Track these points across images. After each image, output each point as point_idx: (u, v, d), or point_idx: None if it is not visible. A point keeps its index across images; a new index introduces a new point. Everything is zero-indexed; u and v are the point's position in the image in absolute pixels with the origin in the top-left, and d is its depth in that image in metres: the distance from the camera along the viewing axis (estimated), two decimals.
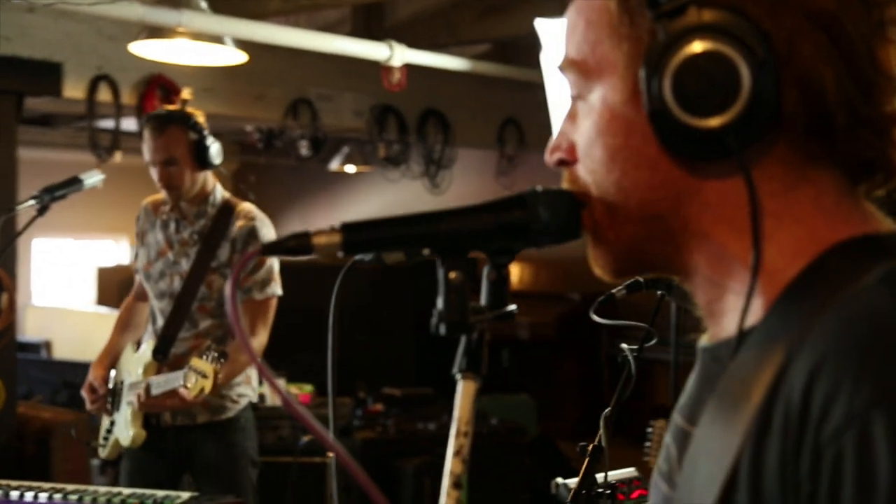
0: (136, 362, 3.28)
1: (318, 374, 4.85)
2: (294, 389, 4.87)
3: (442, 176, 6.81)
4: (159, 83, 5.33)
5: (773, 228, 0.76)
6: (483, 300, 0.89)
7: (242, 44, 4.53)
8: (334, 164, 7.83)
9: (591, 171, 0.83)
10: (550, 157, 0.88)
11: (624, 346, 2.06)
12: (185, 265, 3.28)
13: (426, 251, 0.88)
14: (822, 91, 0.74)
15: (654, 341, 1.98)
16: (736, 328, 0.76)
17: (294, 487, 4.39)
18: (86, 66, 5.11)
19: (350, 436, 4.98)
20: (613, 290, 2.12)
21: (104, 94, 5.18)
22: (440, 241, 0.86)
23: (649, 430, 2.67)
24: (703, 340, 0.87)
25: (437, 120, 6.58)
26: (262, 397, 4.81)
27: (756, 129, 0.74)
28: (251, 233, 3.25)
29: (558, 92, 4.13)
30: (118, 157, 5.52)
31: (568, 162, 0.87)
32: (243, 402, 3.35)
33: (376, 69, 5.29)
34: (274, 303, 3.33)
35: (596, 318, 1.98)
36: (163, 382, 3.11)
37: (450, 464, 0.82)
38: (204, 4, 4.35)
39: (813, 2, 0.74)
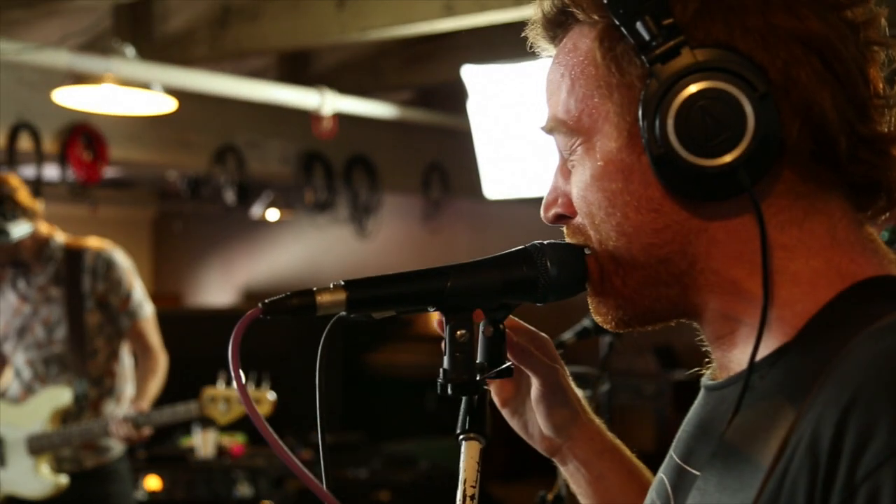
0: (25, 413, 3.25)
1: (249, 422, 4.76)
2: (226, 440, 4.77)
3: (369, 221, 6.81)
4: (83, 131, 5.24)
5: (786, 260, 0.75)
6: (480, 356, 0.87)
7: (167, 90, 4.49)
8: (256, 211, 7.76)
9: (590, 216, 0.81)
10: (547, 214, 0.87)
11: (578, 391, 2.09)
12: (48, 311, 3.32)
13: (430, 309, 0.86)
14: (823, 116, 0.73)
15: (606, 386, 2.01)
16: (747, 361, 0.75)
17: None
18: (5, 113, 5.00)
19: (282, 486, 4.90)
20: (564, 338, 2.17)
21: (25, 143, 5.07)
22: (446, 298, 0.84)
23: None
24: (707, 378, 0.86)
25: (363, 166, 6.60)
26: (192, 450, 4.71)
27: (764, 162, 0.73)
28: (108, 259, 3.37)
29: (485, 136, 4.20)
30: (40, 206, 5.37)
31: (566, 216, 0.85)
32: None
33: (303, 116, 5.28)
34: (155, 318, 3.48)
35: None
36: (154, 415, 3.21)
37: None
38: (131, 52, 4.30)
39: (803, 28, 0.74)
